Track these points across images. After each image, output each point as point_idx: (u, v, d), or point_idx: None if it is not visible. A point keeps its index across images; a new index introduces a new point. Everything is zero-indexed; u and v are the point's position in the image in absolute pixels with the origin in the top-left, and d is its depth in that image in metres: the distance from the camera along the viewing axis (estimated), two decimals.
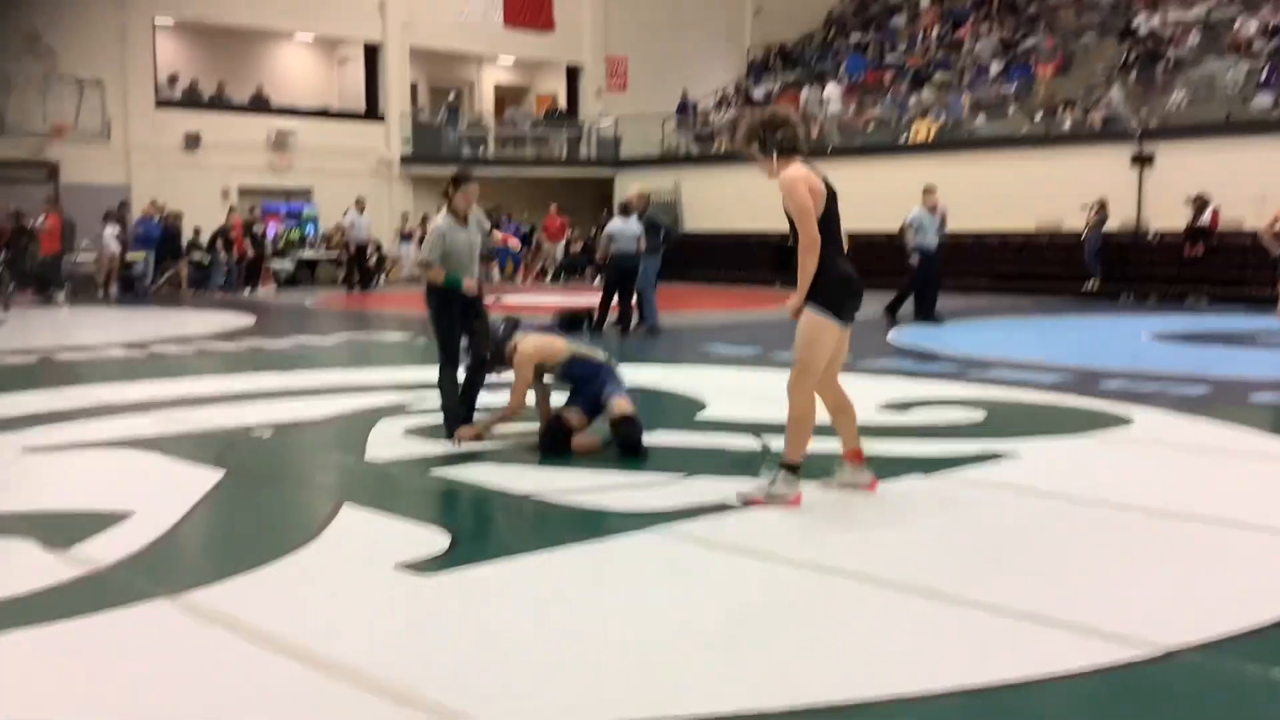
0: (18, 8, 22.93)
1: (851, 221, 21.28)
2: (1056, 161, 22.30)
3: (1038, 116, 24.02)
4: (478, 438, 6.69)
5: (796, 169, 5.37)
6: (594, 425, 6.79)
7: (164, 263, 22.80)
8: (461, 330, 7.18)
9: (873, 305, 18.70)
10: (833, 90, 27.97)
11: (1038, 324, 16.53)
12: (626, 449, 6.51)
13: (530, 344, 6.76)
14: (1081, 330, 15.75)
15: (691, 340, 13.29)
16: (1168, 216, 20.86)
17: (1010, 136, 23.79)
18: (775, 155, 5.45)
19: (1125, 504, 5.59)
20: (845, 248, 5.59)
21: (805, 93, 29.33)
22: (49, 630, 3.84)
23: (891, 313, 16.00)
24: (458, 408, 7.15)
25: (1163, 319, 16.57)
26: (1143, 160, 21.31)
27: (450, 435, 7.04)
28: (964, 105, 25.41)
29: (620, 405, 6.57)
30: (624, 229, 14.14)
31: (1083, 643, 3.73)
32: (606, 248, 14.42)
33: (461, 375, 7.23)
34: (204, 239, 23.71)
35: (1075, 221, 21.49)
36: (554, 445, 6.61)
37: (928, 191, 15.92)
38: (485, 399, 7.34)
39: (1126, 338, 14.37)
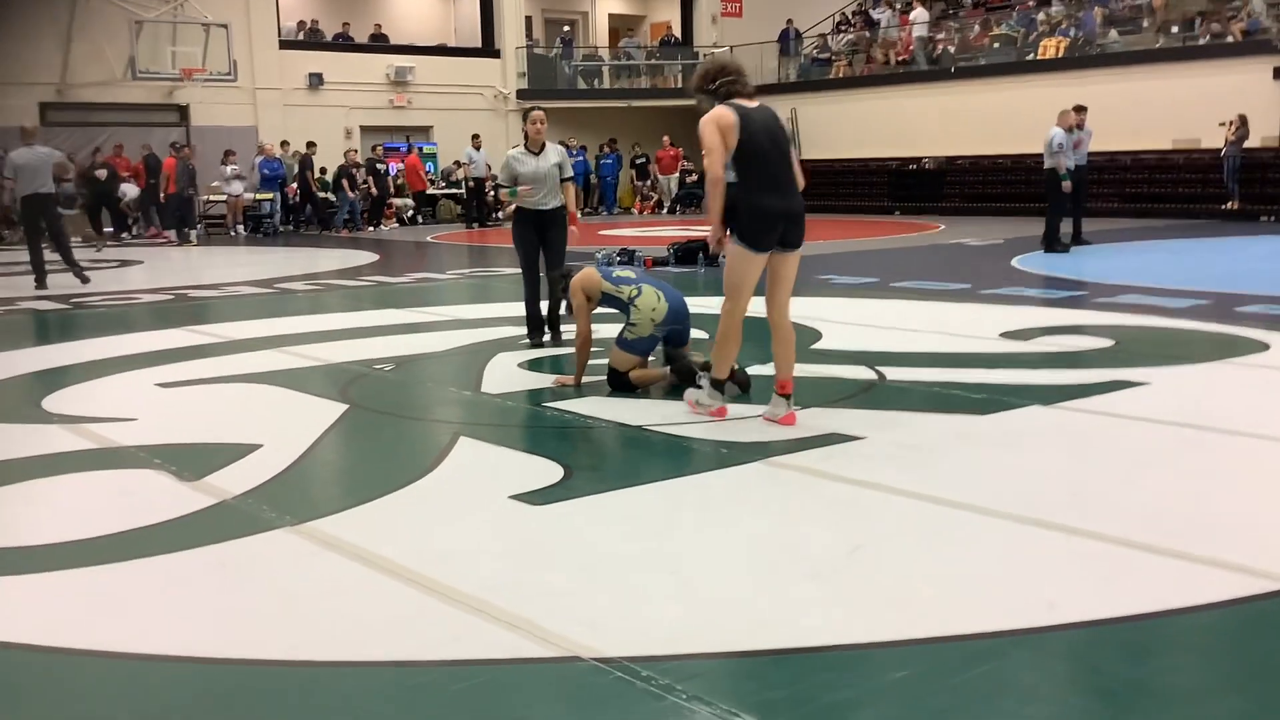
0: None
1: (973, 145, 20.64)
2: (1193, 77, 21.26)
3: (1174, 29, 22.92)
4: (576, 384, 6.72)
5: (713, 111, 5.61)
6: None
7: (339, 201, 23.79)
8: (538, 249, 8.23)
9: (1000, 228, 18.28)
10: (920, 14, 27.27)
11: (1172, 246, 15.91)
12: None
13: (579, 275, 6.81)
14: (1218, 253, 15.12)
15: (808, 269, 13.03)
16: None
17: (1144, 51, 22.76)
18: (716, 103, 5.67)
19: (1259, 433, 5.37)
20: (793, 178, 5.76)
21: (885, 18, 28.68)
22: (179, 557, 4.01)
23: (1051, 245, 15.00)
24: (536, 313, 8.28)
25: None
26: None
27: (530, 336, 8.26)
28: (1096, 19, 24.36)
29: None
30: None
31: (1207, 575, 3.61)
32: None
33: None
34: (329, 178, 24.19)
35: (1213, 139, 20.53)
36: (616, 384, 6.60)
37: (1078, 109, 15.26)
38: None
39: (1266, 260, 13.77)
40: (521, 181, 8.10)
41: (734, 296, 5.76)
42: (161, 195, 21.40)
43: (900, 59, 27.00)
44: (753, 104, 5.69)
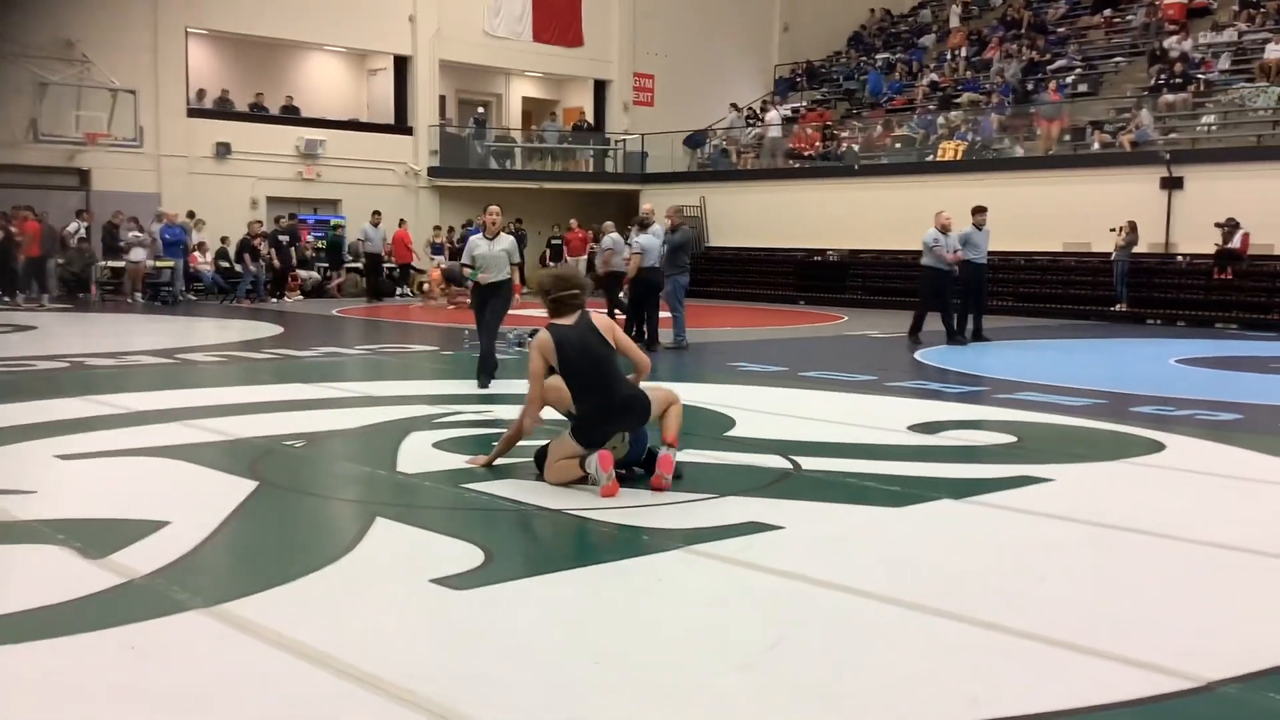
0: (53, 16, 23.15)
1: (875, 240, 21.45)
2: (1085, 183, 22.21)
3: (1066, 137, 23.96)
4: (488, 465, 6.67)
5: (539, 336, 6.33)
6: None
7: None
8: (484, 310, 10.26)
9: (901, 321, 18.72)
10: (774, 115, 29.20)
11: (1064, 346, 16.45)
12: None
13: (553, 381, 6.69)
14: (1109, 353, 15.67)
15: (718, 357, 13.28)
16: (1197, 240, 20.73)
17: (1038, 157, 23.72)
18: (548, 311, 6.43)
19: (1161, 532, 5.55)
20: (619, 384, 6.27)
21: (730, 117, 30.58)
22: (85, 639, 3.86)
23: (956, 337, 15.58)
24: (488, 362, 10.13)
25: (1191, 343, 16.45)
26: (1172, 183, 21.21)
27: (479, 378, 10.08)
28: (993, 125, 25.36)
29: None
30: (651, 244, 14.14)
31: (1122, 673, 3.70)
32: (608, 260, 15.22)
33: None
34: (231, 248, 23.86)
35: (1103, 243, 21.40)
36: (539, 464, 6.55)
37: (977, 210, 15.95)
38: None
39: (1155, 362, 14.29)
40: (477, 262, 10.02)
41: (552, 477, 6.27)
42: (21, 257, 20.96)
43: (807, 153, 27.82)
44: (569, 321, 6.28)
